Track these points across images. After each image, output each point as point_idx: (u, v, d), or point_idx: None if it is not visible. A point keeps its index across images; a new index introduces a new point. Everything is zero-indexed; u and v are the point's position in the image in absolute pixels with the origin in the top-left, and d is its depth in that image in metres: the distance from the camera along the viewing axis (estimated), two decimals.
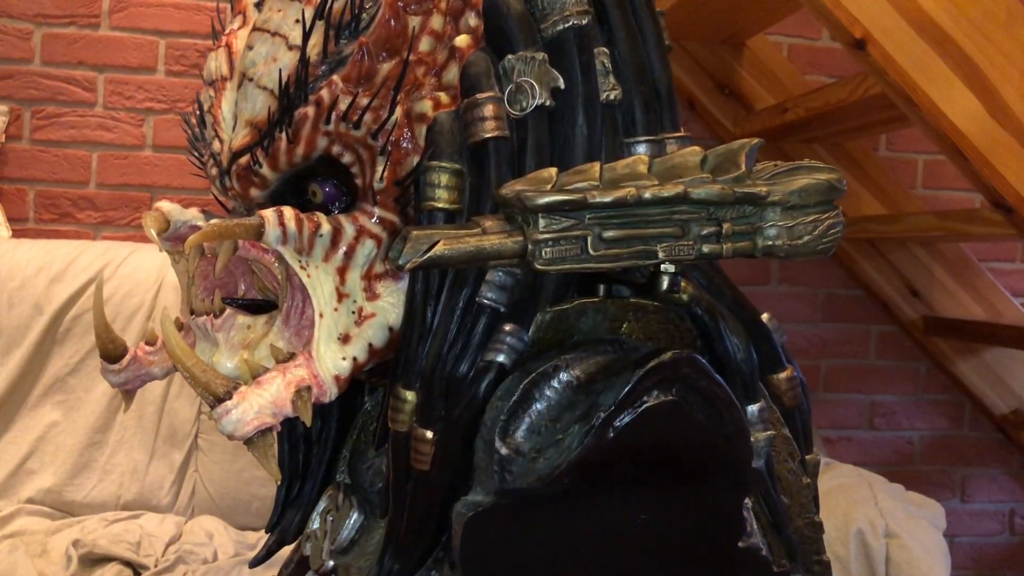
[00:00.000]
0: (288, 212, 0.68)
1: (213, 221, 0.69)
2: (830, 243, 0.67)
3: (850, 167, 1.94)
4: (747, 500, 0.72)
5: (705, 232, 0.65)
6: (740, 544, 0.71)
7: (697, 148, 0.67)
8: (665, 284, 0.70)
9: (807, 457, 0.81)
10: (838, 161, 1.93)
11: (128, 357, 0.76)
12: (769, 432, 0.73)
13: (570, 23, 0.72)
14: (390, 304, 0.71)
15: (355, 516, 0.77)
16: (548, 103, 0.70)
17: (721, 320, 0.73)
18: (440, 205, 0.69)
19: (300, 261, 0.68)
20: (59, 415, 1.52)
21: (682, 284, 0.71)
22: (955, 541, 2.13)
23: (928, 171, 2.14)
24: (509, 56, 0.71)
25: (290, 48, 0.70)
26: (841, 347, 2.11)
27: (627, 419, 0.64)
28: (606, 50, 0.75)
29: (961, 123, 1.25)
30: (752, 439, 0.71)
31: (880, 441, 2.14)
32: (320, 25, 0.69)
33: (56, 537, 1.36)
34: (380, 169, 0.70)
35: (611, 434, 0.64)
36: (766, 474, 0.75)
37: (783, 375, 0.78)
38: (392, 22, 0.69)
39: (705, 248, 0.65)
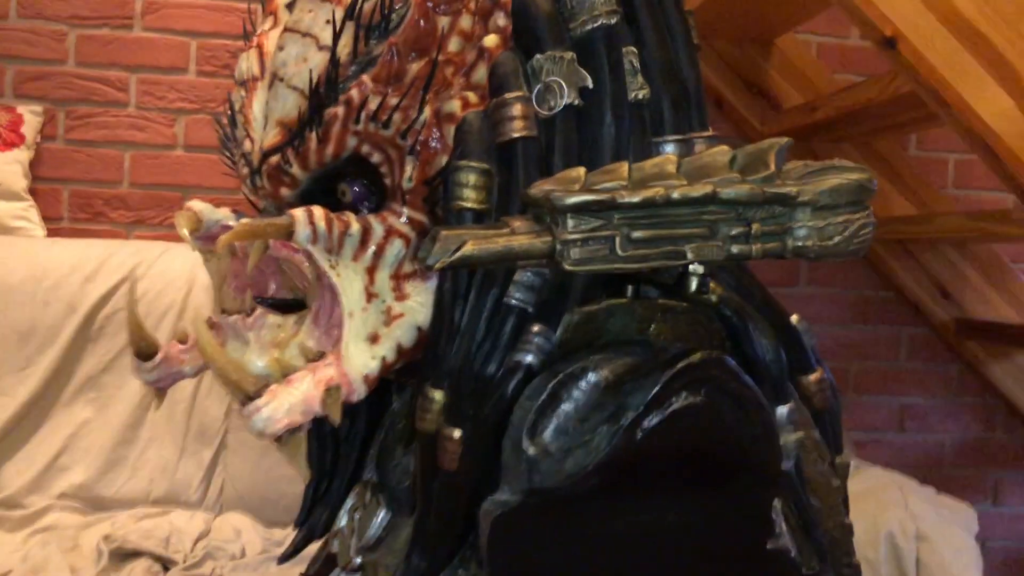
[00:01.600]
0: (318, 212, 0.68)
1: (244, 220, 0.70)
2: (861, 244, 0.66)
3: (880, 167, 1.92)
4: (777, 502, 0.72)
5: (734, 232, 0.64)
6: (769, 546, 0.70)
7: (726, 148, 0.67)
8: (694, 285, 0.69)
9: (837, 459, 0.80)
10: (868, 160, 1.91)
11: (160, 355, 0.76)
12: (799, 434, 0.73)
13: (599, 23, 0.72)
14: (419, 304, 0.71)
15: (382, 514, 0.77)
16: (576, 103, 0.70)
17: (750, 321, 0.72)
18: (469, 205, 0.69)
19: (330, 261, 0.69)
20: (91, 412, 1.54)
21: (711, 285, 0.70)
22: (987, 545, 2.10)
23: (959, 171, 2.11)
24: (537, 56, 0.71)
25: (320, 48, 0.70)
26: (871, 349, 2.09)
27: (655, 420, 0.64)
28: (634, 49, 0.75)
29: (993, 121, 1.23)
30: (781, 441, 0.71)
31: (911, 444, 2.11)
32: (350, 26, 0.70)
33: (87, 532, 1.38)
34: (409, 169, 0.70)
35: (639, 435, 0.63)
36: (795, 476, 0.74)
37: (813, 377, 0.78)
38: (421, 22, 0.69)
39: (734, 249, 0.64)
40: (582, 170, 0.64)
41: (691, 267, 0.67)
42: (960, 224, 1.65)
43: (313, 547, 0.88)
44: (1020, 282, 1.97)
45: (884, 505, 1.37)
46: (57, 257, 1.58)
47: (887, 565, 1.31)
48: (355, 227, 0.69)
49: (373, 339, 0.70)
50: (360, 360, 0.69)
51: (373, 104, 0.69)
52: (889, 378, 2.10)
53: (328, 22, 0.70)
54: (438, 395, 0.69)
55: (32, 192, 1.75)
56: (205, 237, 0.73)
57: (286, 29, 0.73)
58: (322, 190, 0.74)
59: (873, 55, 2.00)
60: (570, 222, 0.60)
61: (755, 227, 0.64)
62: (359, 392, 0.69)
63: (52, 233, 1.76)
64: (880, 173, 1.91)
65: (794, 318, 0.79)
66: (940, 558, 1.29)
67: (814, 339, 0.80)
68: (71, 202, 1.83)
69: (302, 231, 0.67)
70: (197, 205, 0.73)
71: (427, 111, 0.70)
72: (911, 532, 1.32)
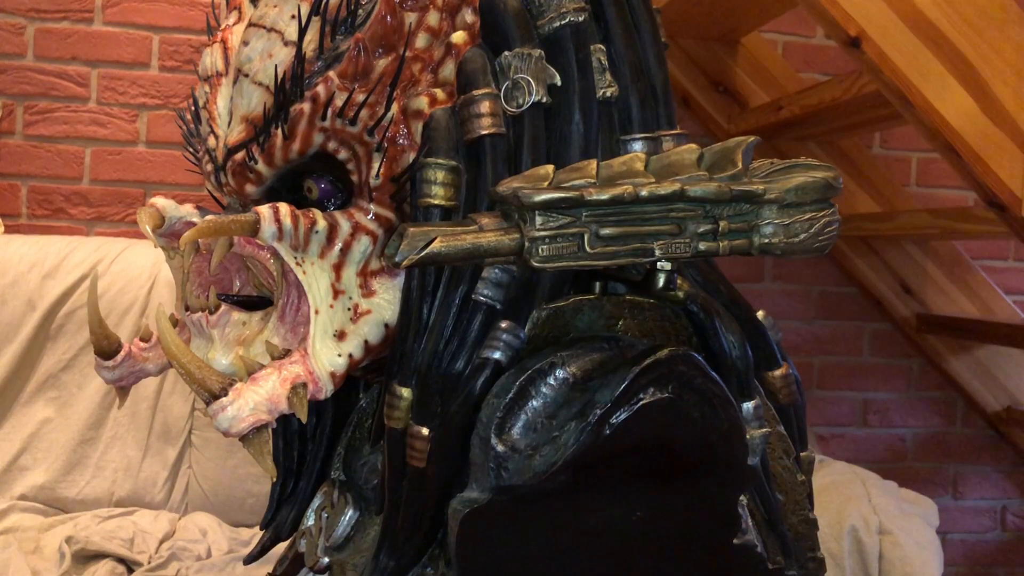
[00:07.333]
0: (284, 208, 0.67)
1: (208, 217, 0.69)
2: (826, 241, 0.67)
3: (844, 165, 1.94)
4: (742, 497, 0.72)
5: (702, 230, 0.64)
6: (735, 541, 0.71)
7: (694, 146, 0.67)
8: (661, 281, 0.70)
9: (801, 454, 0.81)
10: (832, 159, 1.93)
11: (122, 353, 0.75)
12: (764, 429, 0.73)
13: (567, 20, 0.72)
14: (386, 301, 0.71)
15: (350, 513, 0.77)
16: (544, 100, 0.70)
17: (717, 317, 0.73)
18: (436, 202, 0.68)
19: (296, 258, 0.68)
20: (52, 411, 1.51)
21: (678, 281, 0.71)
22: (948, 538, 2.14)
23: (922, 169, 2.14)
24: (506, 53, 0.70)
25: (286, 44, 0.69)
26: (834, 344, 2.11)
27: (623, 416, 0.64)
28: (602, 47, 0.75)
29: (955, 121, 1.25)
30: (747, 436, 0.71)
31: (873, 438, 2.14)
32: (316, 21, 0.69)
33: (49, 534, 1.36)
34: (376, 165, 0.70)
35: (607, 431, 0.64)
36: (761, 471, 0.75)
37: (778, 372, 0.79)
38: (388, 18, 0.69)
39: (701, 246, 0.64)
40: (550, 167, 0.64)
41: (659, 264, 0.68)
42: (922, 221, 1.68)
43: (280, 547, 0.87)
44: (980, 278, 2.01)
45: (847, 499, 1.38)
46: (15, 254, 1.55)
47: (850, 559, 1.32)
48: (321, 224, 0.69)
49: (340, 336, 0.69)
50: (327, 357, 0.68)
51: (339, 100, 0.68)
52: (852, 373, 2.12)
53: (293, 17, 0.69)
54: (406, 392, 0.68)
55: None
56: (168, 234, 0.72)
57: (251, 24, 0.72)
58: (288, 187, 0.73)
59: (838, 54, 2.03)
60: (538, 219, 0.60)
61: (722, 224, 0.65)
62: (326, 390, 0.68)
63: (10, 230, 1.73)
64: (844, 171, 1.93)
65: (760, 314, 0.80)
66: (902, 551, 1.31)
67: (779, 334, 0.81)
68: (30, 198, 1.80)
69: (267, 228, 0.66)
70: (160, 201, 0.72)
71: (394, 107, 0.70)
72: (874, 526, 1.33)
